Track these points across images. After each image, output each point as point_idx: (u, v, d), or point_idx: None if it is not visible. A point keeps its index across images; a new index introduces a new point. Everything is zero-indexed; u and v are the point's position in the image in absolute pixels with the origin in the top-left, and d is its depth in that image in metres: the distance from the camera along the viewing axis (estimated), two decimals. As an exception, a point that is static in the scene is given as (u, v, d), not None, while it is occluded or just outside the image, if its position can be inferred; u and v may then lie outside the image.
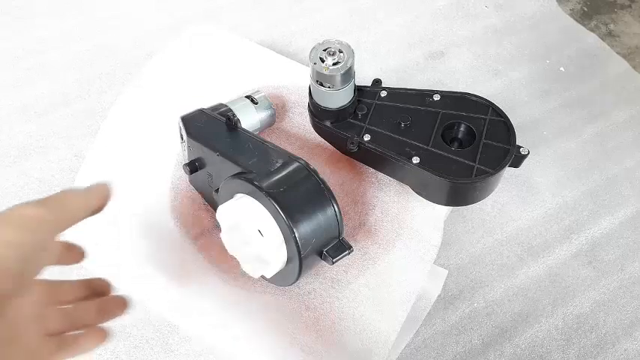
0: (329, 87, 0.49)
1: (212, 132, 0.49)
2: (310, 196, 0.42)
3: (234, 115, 0.52)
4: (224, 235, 0.45)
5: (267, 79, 0.63)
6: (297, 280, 0.43)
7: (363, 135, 0.52)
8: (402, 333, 0.48)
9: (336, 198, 0.42)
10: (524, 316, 0.52)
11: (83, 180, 0.55)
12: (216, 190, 0.47)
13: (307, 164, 0.43)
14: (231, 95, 0.58)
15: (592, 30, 0.75)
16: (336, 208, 0.42)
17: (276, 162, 0.44)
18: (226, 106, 0.55)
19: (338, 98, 0.51)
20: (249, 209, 0.42)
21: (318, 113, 0.53)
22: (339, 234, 0.43)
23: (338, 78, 0.48)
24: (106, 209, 0.33)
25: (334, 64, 0.48)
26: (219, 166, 0.47)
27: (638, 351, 0.51)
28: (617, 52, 0.72)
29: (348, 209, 0.53)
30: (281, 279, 0.45)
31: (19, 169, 0.59)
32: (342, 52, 0.48)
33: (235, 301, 0.48)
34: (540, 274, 0.55)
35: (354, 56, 0.48)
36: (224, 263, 0.50)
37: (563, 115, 0.66)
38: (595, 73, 0.70)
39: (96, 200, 0.33)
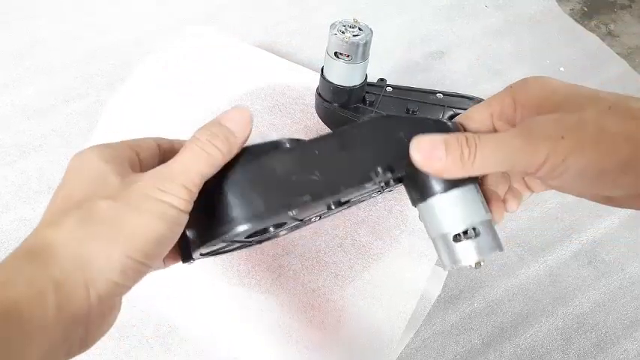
0: (348, 58, 0.50)
1: None
2: None
3: None
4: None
5: (266, 79, 0.63)
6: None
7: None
8: (403, 333, 0.48)
9: None
10: (524, 316, 0.52)
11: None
12: None
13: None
14: (228, 95, 0.58)
15: (592, 30, 0.75)
16: None
17: None
18: None
19: (354, 73, 0.52)
20: None
21: (328, 94, 0.54)
22: None
23: (359, 49, 0.49)
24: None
25: (354, 35, 0.49)
26: None
27: (638, 351, 0.51)
28: (617, 52, 0.72)
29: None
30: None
31: (19, 167, 0.59)
32: (361, 29, 0.50)
33: (237, 300, 0.48)
34: (540, 274, 0.55)
35: (372, 35, 0.49)
36: (226, 262, 0.50)
37: (563, 115, 0.66)
38: (595, 73, 0.70)
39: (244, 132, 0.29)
